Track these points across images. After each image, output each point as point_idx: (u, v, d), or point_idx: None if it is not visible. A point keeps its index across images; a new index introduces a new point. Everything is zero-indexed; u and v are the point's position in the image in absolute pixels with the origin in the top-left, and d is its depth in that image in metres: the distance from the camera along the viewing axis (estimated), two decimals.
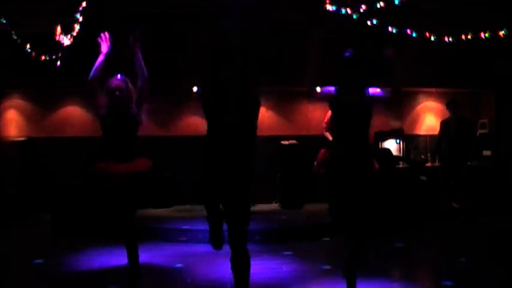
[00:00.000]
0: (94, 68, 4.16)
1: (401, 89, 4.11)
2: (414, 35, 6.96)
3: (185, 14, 8.32)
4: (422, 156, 8.99)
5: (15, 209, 7.95)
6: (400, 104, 9.46)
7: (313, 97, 3.76)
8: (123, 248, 4.30)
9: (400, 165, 7.83)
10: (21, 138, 8.72)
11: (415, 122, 9.57)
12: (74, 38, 6.42)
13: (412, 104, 9.60)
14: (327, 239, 6.31)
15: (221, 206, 3.40)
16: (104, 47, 4.21)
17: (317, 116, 8.67)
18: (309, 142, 8.18)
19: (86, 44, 7.41)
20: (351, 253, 4.01)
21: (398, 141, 8.44)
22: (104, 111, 4.16)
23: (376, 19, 6.84)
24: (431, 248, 6.02)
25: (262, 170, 3.35)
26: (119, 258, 5.02)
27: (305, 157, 7.85)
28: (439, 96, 9.53)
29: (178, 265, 5.08)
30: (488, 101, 9.37)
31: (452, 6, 7.75)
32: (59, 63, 6.73)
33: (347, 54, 4.03)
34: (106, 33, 4.20)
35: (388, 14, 6.58)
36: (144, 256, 4.99)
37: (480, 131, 9.12)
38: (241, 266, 3.19)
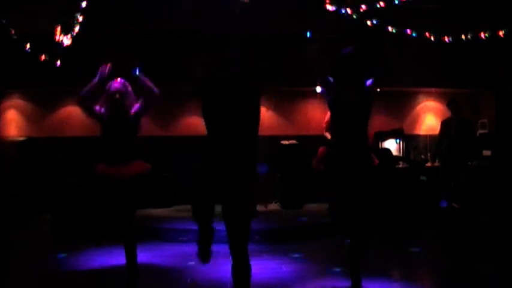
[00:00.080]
0: (86, 89, 4.21)
1: (392, 69, 4.07)
2: (414, 35, 6.96)
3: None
4: (422, 156, 8.99)
5: (15, 209, 7.95)
6: (400, 104, 9.47)
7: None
8: (123, 248, 4.32)
9: (400, 165, 7.83)
10: (21, 138, 8.72)
11: (415, 122, 9.57)
12: (74, 38, 6.42)
13: (412, 104, 9.60)
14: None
15: (213, 219, 3.39)
16: (103, 70, 4.23)
17: (317, 116, 8.67)
18: (309, 142, 8.17)
19: (85, 44, 7.48)
20: (351, 252, 4.01)
21: (398, 141, 8.44)
22: (104, 113, 4.21)
23: (376, 19, 6.84)
24: (431, 248, 6.02)
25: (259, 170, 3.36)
26: (118, 258, 5.01)
27: (305, 157, 7.84)
28: (439, 96, 9.53)
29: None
30: (488, 101, 9.37)
31: (452, 6, 7.75)
32: (58, 63, 6.73)
33: (346, 51, 4.01)
34: (109, 65, 4.28)
35: (388, 14, 6.58)
36: (144, 256, 5.01)
37: (480, 131, 9.12)
38: (241, 274, 3.17)
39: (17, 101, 9.00)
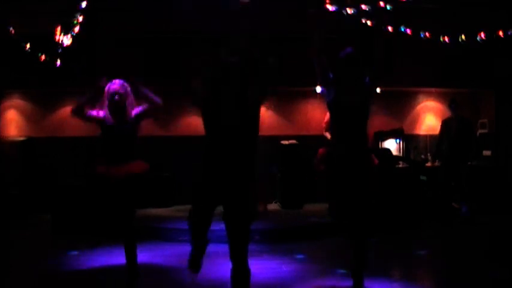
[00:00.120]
0: (80, 102, 4.24)
1: (382, 68, 4.05)
2: (414, 35, 6.96)
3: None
4: (422, 156, 8.99)
5: (15, 209, 7.95)
6: (400, 104, 9.47)
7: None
8: (123, 248, 4.32)
9: (400, 165, 7.83)
10: (21, 138, 8.72)
11: (415, 122, 9.57)
12: (74, 38, 6.42)
13: (412, 104, 9.61)
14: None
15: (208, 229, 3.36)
16: (99, 85, 4.25)
17: (317, 116, 8.68)
18: (309, 142, 8.17)
19: (85, 44, 7.48)
20: (355, 253, 4.01)
21: (398, 141, 8.44)
22: (103, 116, 4.22)
23: (376, 19, 6.84)
24: (431, 248, 6.02)
25: (262, 170, 3.35)
26: (118, 258, 5.02)
27: (305, 157, 7.85)
28: (439, 96, 9.53)
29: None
30: (488, 101, 9.37)
31: (452, 6, 7.75)
32: (58, 63, 6.73)
33: (346, 52, 4.01)
34: (105, 79, 4.28)
35: (388, 14, 6.58)
36: (144, 256, 5.01)
37: (480, 131, 9.12)
38: (241, 278, 3.14)
39: (17, 101, 9.00)
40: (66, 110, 8.99)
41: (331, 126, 4.29)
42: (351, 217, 4.03)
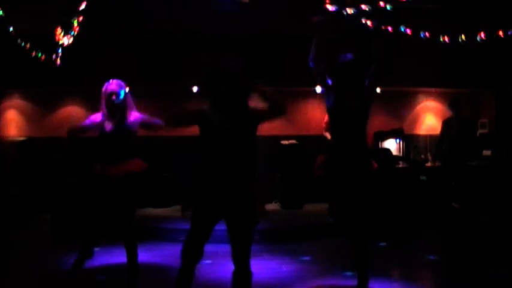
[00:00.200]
0: (75, 129, 4.30)
1: (382, 69, 4.03)
2: (414, 35, 6.96)
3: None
4: (422, 156, 8.99)
5: (15, 209, 7.95)
6: (400, 104, 9.47)
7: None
8: (123, 248, 4.33)
9: (400, 165, 7.83)
10: (21, 138, 8.72)
11: (415, 122, 9.57)
12: (74, 38, 6.42)
13: (412, 104, 9.60)
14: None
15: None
16: (95, 120, 4.32)
17: (317, 116, 8.67)
18: (309, 142, 8.18)
19: (85, 44, 7.48)
20: (357, 253, 4.02)
21: (398, 141, 8.44)
22: (99, 121, 4.24)
23: (376, 19, 6.84)
24: (431, 248, 6.02)
25: (262, 170, 3.34)
26: (118, 258, 5.02)
27: (305, 157, 7.84)
28: (439, 96, 9.53)
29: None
30: (488, 101, 9.37)
31: (452, 6, 7.74)
32: (58, 63, 6.73)
33: (345, 59, 4.02)
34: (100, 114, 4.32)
35: (388, 14, 6.57)
36: (144, 256, 5.01)
37: (480, 131, 9.12)
38: (242, 281, 3.13)
39: (17, 101, 9.00)
40: (66, 110, 9.00)
41: (330, 131, 4.30)
42: (350, 218, 4.03)
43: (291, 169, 8.24)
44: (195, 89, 8.36)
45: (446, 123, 7.73)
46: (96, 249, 5.80)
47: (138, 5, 7.52)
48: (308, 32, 4.09)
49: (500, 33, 6.17)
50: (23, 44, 6.34)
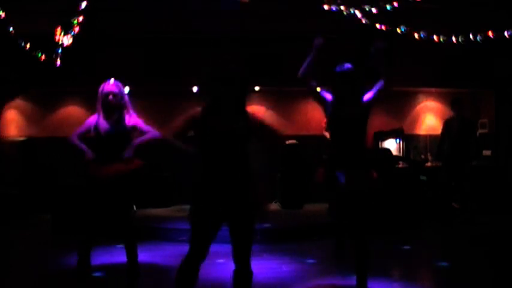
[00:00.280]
0: (78, 134, 4.36)
1: (384, 69, 4.03)
2: (414, 35, 6.96)
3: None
4: (422, 156, 8.99)
5: (15, 209, 7.95)
6: (400, 104, 9.47)
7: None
8: (123, 248, 4.33)
9: (400, 165, 7.83)
10: (21, 138, 8.72)
11: (415, 121, 9.57)
12: (74, 38, 6.42)
13: (412, 104, 9.61)
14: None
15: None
16: (89, 156, 4.31)
17: (317, 116, 8.67)
18: (309, 142, 8.18)
19: (86, 44, 7.48)
20: (356, 253, 4.02)
21: (398, 141, 8.44)
22: (96, 123, 4.24)
23: (376, 19, 6.84)
24: (431, 248, 6.01)
25: (262, 170, 3.35)
26: (119, 258, 5.02)
27: (305, 157, 7.85)
28: (439, 96, 9.54)
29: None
30: (488, 101, 9.37)
31: (452, 6, 7.74)
32: (58, 63, 6.73)
33: (341, 69, 4.05)
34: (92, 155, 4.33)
35: (388, 14, 6.57)
36: (144, 256, 5.00)
37: (480, 131, 9.12)
38: (243, 281, 3.13)
39: (17, 101, 9.00)
40: (66, 110, 9.01)
41: (330, 139, 4.34)
42: (350, 219, 4.03)
43: (291, 169, 8.24)
44: (195, 89, 8.38)
45: (447, 123, 7.73)
46: (96, 249, 5.83)
47: (138, 5, 7.53)
48: (308, 32, 4.10)
49: (500, 33, 6.18)
50: (23, 44, 6.34)
